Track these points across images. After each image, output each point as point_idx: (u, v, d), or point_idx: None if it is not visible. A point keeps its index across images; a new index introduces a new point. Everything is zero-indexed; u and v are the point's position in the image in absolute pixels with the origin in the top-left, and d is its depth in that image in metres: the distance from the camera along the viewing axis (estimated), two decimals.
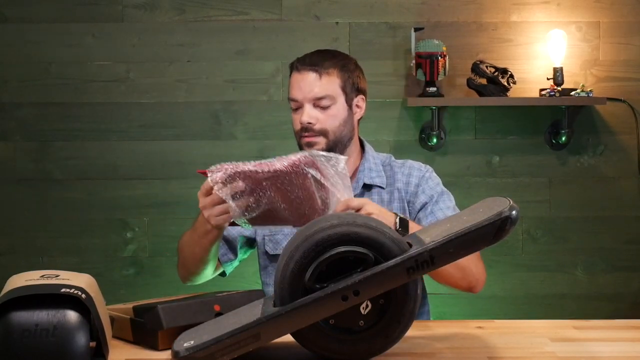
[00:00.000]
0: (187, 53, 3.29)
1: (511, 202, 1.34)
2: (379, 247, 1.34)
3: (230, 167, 1.64)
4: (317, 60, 2.02)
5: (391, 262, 1.33)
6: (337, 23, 3.30)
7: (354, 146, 2.09)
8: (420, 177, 2.08)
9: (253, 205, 1.66)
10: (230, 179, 1.64)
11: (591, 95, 3.22)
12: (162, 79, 3.29)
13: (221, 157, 3.54)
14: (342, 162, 1.65)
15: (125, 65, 3.29)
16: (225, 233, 2.07)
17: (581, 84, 3.26)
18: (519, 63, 3.30)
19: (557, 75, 3.20)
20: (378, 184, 2.06)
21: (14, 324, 1.29)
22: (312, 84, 2.00)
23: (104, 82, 3.29)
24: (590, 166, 3.35)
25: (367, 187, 2.07)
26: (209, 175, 1.66)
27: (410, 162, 2.12)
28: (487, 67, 3.21)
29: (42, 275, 1.39)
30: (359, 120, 2.10)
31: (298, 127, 2.02)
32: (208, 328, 1.40)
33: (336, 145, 2.01)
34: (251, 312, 1.39)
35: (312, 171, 1.62)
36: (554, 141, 3.33)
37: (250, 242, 2.14)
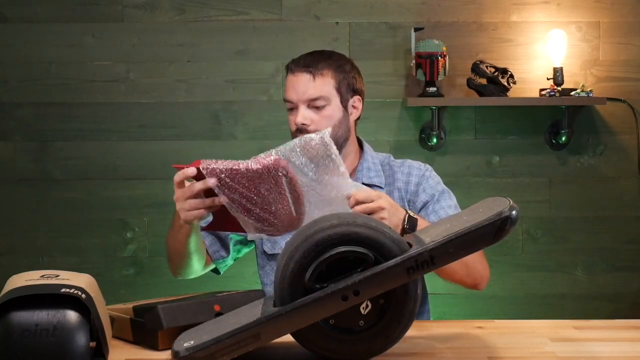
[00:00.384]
0: (187, 53, 3.29)
1: (511, 202, 1.34)
2: (379, 247, 1.34)
3: (208, 163, 1.63)
4: (311, 62, 2.03)
5: (391, 262, 1.33)
6: (337, 23, 3.30)
7: (351, 147, 2.09)
8: (421, 176, 2.08)
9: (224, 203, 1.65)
10: (208, 174, 1.63)
11: (591, 95, 3.22)
12: (162, 79, 3.29)
13: (221, 157, 3.53)
14: (326, 135, 1.64)
15: (125, 65, 3.29)
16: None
17: (581, 84, 3.26)
18: (519, 63, 3.30)
19: (557, 75, 3.20)
20: (377, 184, 2.07)
21: (14, 324, 1.29)
22: (305, 85, 2.00)
23: (104, 82, 3.29)
24: (590, 166, 3.35)
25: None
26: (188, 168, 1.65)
27: (409, 161, 2.12)
28: (487, 67, 3.21)
29: (42, 275, 1.39)
30: (356, 120, 2.10)
31: (293, 128, 2.03)
32: (208, 328, 1.40)
33: None
34: (251, 312, 1.39)
35: (283, 177, 1.61)
36: (554, 141, 3.33)
37: (245, 242, 2.13)
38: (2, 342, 1.29)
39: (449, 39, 3.26)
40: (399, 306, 1.37)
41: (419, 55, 3.18)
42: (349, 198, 1.67)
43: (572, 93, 3.20)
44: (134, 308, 1.54)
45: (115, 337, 1.57)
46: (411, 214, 1.77)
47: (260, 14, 3.29)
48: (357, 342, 1.38)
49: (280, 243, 2.07)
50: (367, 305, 1.37)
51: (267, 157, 1.61)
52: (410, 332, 1.42)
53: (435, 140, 3.28)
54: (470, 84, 3.22)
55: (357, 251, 1.34)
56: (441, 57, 3.17)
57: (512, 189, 3.32)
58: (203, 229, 1.79)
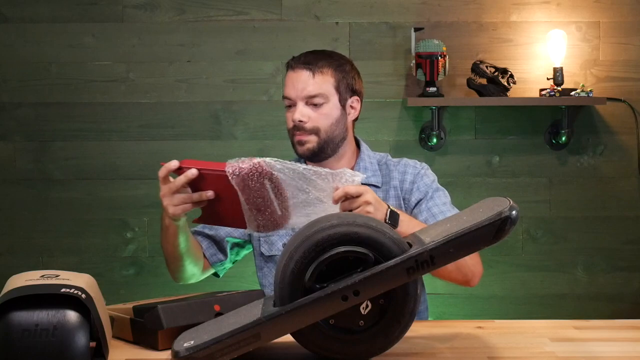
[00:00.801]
0: (187, 53, 3.29)
1: (511, 202, 1.34)
2: (379, 247, 1.34)
3: (190, 162, 1.64)
4: (312, 59, 2.03)
5: (391, 262, 1.33)
6: (337, 23, 3.30)
7: (348, 146, 2.09)
8: (415, 174, 2.08)
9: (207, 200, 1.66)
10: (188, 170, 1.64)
11: (591, 95, 3.22)
12: (162, 79, 3.29)
13: (221, 157, 3.54)
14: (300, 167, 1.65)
15: (125, 65, 3.29)
16: (213, 233, 2.08)
17: (581, 84, 3.26)
18: (519, 63, 3.30)
19: (557, 75, 3.20)
20: (373, 183, 2.07)
21: (14, 324, 1.29)
22: (305, 82, 2.01)
23: (104, 82, 3.29)
24: (590, 166, 3.35)
25: None
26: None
27: (405, 160, 2.13)
28: (487, 67, 3.21)
29: (42, 275, 1.39)
30: (354, 121, 2.10)
31: (290, 124, 2.03)
32: (208, 328, 1.40)
33: (328, 145, 2.02)
34: (251, 312, 1.39)
35: (267, 182, 1.61)
36: (554, 141, 3.33)
37: (242, 244, 2.13)
38: (2, 342, 1.29)
39: (449, 39, 3.26)
40: (399, 306, 1.37)
41: (419, 55, 3.18)
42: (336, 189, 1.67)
43: (572, 93, 3.20)
44: (134, 308, 1.54)
45: (115, 337, 1.57)
46: (393, 209, 1.77)
47: (260, 14, 3.29)
48: (357, 342, 1.38)
49: (278, 244, 2.08)
50: (367, 305, 1.37)
51: (245, 164, 1.60)
52: (410, 332, 1.42)
53: (435, 140, 3.28)
54: (470, 84, 3.22)
55: (357, 251, 1.34)
56: (441, 57, 3.17)
57: (512, 189, 3.32)
58: (195, 220, 1.78)
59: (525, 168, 3.34)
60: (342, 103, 2.05)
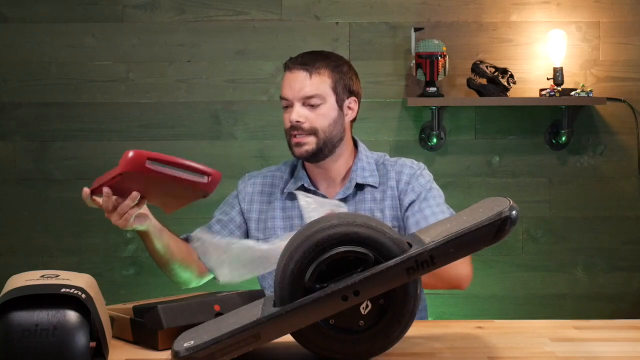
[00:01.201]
0: (187, 53, 3.29)
1: (511, 202, 1.34)
2: (379, 247, 1.34)
3: (99, 179, 1.77)
4: (309, 60, 2.04)
5: (391, 262, 1.33)
6: (337, 23, 3.30)
7: (345, 147, 2.09)
8: (411, 174, 2.08)
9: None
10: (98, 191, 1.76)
11: (591, 95, 3.22)
12: (162, 79, 3.29)
13: (221, 157, 3.55)
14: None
15: (125, 65, 3.29)
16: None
17: (581, 84, 3.26)
18: (519, 63, 3.30)
19: (557, 75, 3.20)
20: (371, 184, 2.07)
21: (14, 324, 1.29)
22: (302, 82, 2.01)
23: (104, 82, 3.29)
24: (590, 166, 3.35)
25: (359, 187, 2.08)
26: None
27: (402, 159, 2.12)
28: (487, 67, 3.21)
29: (42, 275, 1.39)
30: (351, 121, 2.11)
31: (288, 125, 2.03)
32: (208, 328, 1.40)
33: (326, 146, 2.03)
34: (251, 312, 1.39)
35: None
36: (554, 141, 3.33)
37: None
38: (2, 342, 1.29)
39: (449, 39, 3.26)
40: (399, 306, 1.37)
41: (419, 55, 3.18)
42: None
43: (572, 93, 3.20)
44: (134, 308, 1.54)
45: (115, 337, 1.57)
46: None
47: (260, 14, 3.29)
48: (357, 342, 1.38)
49: None
50: (367, 305, 1.37)
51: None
52: (410, 332, 1.42)
53: (435, 140, 3.27)
54: (470, 84, 3.22)
55: (357, 251, 1.34)
56: (441, 57, 3.17)
57: (512, 189, 3.32)
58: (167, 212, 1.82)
59: (525, 168, 3.34)
60: (340, 104, 2.05)
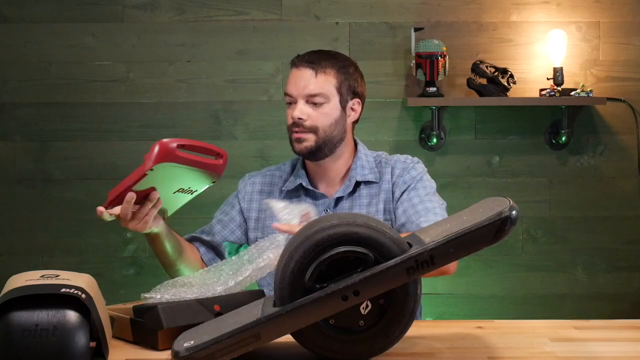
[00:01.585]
0: (187, 53, 3.29)
1: (511, 202, 1.34)
2: (379, 247, 1.34)
3: (114, 191, 1.77)
4: (315, 59, 2.04)
5: (391, 262, 1.33)
6: (337, 23, 3.30)
7: (346, 148, 2.10)
8: (404, 168, 2.10)
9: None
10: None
11: (591, 95, 3.22)
12: (162, 79, 3.29)
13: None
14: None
15: (125, 65, 3.29)
16: (209, 239, 2.11)
17: (581, 84, 3.26)
18: (519, 63, 3.30)
19: (557, 75, 3.20)
20: (372, 180, 2.09)
21: (14, 324, 1.29)
22: (307, 80, 2.02)
23: (104, 82, 3.29)
24: (590, 166, 3.35)
25: (357, 184, 2.10)
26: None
27: (397, 155, 2.15)
28: (487, 67, 3.21)
29: (42, 275, 1.39)
30: (353, 123, 2.11)
31: (290, 121, 2.05)
32: (208, 328, 1.40)
33: (325, 145, 2.03)
34: (251, 312, 1.39)
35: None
36: (554, 141, 3.33)
37: (238, 247, 2.15)
38: (2, 342, 1.29)
39: (449, 39, 3.26)
40: (399, 306, 1.37)
41: (419, 55, 3.18)
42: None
43: (572, 93, 3.20)
44: (134, 308, 1.54)
45: (115, 337, 1.57)
46: None
47: (260, 14, 3.29)
48: (357, 342, 1.38)
49: None
50: (367, 305, 1.37)
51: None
52: (410, 332, 1.42)
53: (435, 140, 3.27)
54: (470, 84, 3.22)
55: (357, 251, 1.34)
56: (441, 57, 3.17)
57: (512, 189, 3.32)
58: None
59: (525, 168, 3.34)
60: (343, 104, 2.05)
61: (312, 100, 2.02)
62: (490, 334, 1.60)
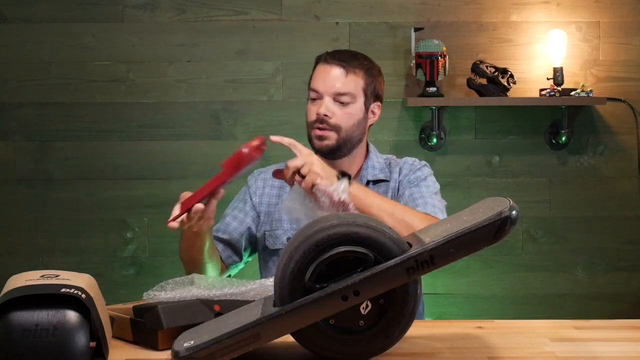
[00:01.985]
0: (187, 53, 3.29)
1: (511, 202, 1.34)
2: (379, 247, 1.34)
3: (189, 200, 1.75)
4: (347, 58, 2.07)
5: (391, 262, 1.33)
6: (337, 23, 3.30)
7: (360, 150, 2.13)
8: (410, 168, 2.14)
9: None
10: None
11: (591, 95, 3.22)
12: (162, 79, 3.29)
13: (221, 157, 3.53)
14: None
15: (125, 65, 3.29)
16: (227, 237, 2.11)
17: (581, 84, 3.26)
18: (519, 63, 3.30)
19: (557, 75, 3.20)
20: (382, 178, 2.12)
21: (14, 324, 1.29)
22: (336, 78, 2.03)
23: (104, 82, 3.29)
24: (590, 166, 3.35)
25: (367, 183, 2.13)
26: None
27: (406, 158, 2.19)
28: (487, 67, 3.21)
29: (42, 275, 1.39)
30: (370, 126, 2.13)
31: (313, 117, 2.05)
32: (208, 328, 1.40)
33: (345, 144, 2.05)
34: (251, 312, 1.39)
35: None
36: (554, 141, 3.33)
37: (255, 244, 2.16)
38: (2, 342, 1.29)
39: (449, 39, 3.26)
40: (399, 306, 1.37)
41: (419, 55, 3.18)
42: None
43: (572, 93, 3.20)
44: (134, 308, 1.54)
45: (115, 337, 1.57)
46: (343, 171, 1.88)
47: (260, 14, 3.29)
48: (357, 342, 1.38)
49: (282, 238, 2.10)
50: (367, 305, 1.37)
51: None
52: (410, 332, 1.42)
53: (435, 140, 3.27)
54: (470, 84, 3.22)
55: (357, 251, 1.34)
56: (441, 57, 3.17)
57: (512, 189, 3.32)
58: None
59: (525, 168, 3.34)
60: (367, 106, 2.08)
61: (339, 99, 2.04)
62: (490, 334, 1.60)
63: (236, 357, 1.33)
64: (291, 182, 1.81)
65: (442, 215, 1.98)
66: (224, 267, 2.12)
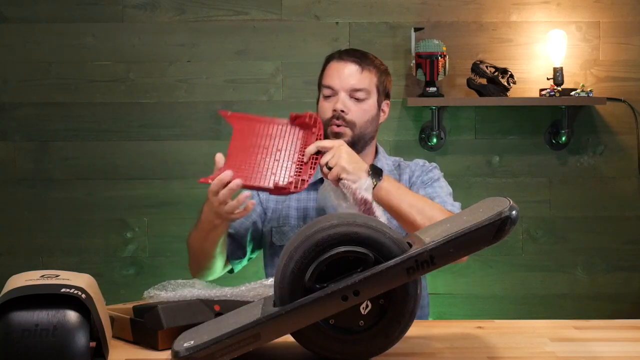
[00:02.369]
0: (187, 53, 3.29)
1: (511, 202, 1.34)
2: (379, 247, 1.34)
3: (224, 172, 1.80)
4: (360, 55, 2.10)
5: (391, 262, 1.33)
6: (337, 23, 3.30)
7: (371, 148, 2.16)
8: (422, 170, 2.16)
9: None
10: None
11: (591, 95, 3.22)
12: (162, 79, 3.29)
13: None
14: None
15: (125, 65, 3.29)
16: (232, 232, 2.11)
17: (581, 84, 3.26)
18: (519, 63, 3.30)
19: (557, 75, 3.20)
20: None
21: (14, 324, 1.29)
22: (352, 75, 2.05)
23: (104, 82, 3.29)
24: (590, 166, 3.35)
25: None
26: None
27: (417, 159, 2.22)
28: (487, 67, 3.21)
29: (42, 275, 1.39)
30: (380, 124, 2.15)
31: (329, 114, 2.05)
32: (208, 328, 1.40)
33: (359, 141, 2.07)
34: (251, 312, 1.39)
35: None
36: (554, 141, 3.33)
37: (259, 241, 2.16)
38: (2, 342, 1.29)
39: (449, 39, 3.26)
40: (399, 306, 1.37)
41: (419, 55, 3.18)
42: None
43: (572, 93, 3.20)
44: (134, 308, 1.54)
45: (115, 337, 1.57)
46: (374, 164, 1.90)
47: (260, 14, 3.29)
48: (357, 342, 1.38)
49: (289, 235, 2.10)
50: (367, 305, 1.37)
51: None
52: (410, 332, 1.42)
53: (435, 140, 3.27)
54: (470, 84, 3.22)
55: (357, 251, 1.34)
56: (441, 57, 3.17)
57: (512, 189, 3.32)
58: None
59: (525, 168, 3.34)
60: (379, 103, 2.11)
61: (354, 95, 2.05)
62: (490, 334, 1.60)
63: (236, 357, 1.33)
64: (324, 175, 1.86)
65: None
66: (227, 263, 2.12)
